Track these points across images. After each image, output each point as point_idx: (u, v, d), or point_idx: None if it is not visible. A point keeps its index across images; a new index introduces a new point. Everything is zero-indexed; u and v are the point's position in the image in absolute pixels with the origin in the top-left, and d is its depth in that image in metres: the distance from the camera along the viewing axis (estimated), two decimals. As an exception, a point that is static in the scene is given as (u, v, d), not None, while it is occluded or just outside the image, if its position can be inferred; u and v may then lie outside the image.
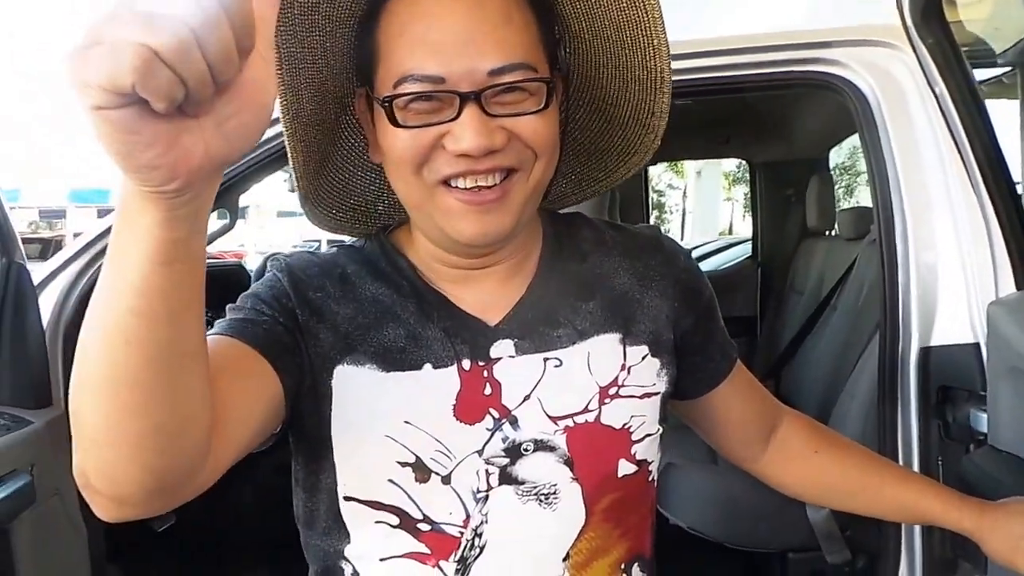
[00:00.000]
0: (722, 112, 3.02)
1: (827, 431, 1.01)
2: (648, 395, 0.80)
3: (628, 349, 0.80)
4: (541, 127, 0.71)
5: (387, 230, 0.85)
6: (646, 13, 0.74)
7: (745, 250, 4.56)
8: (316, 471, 0.77)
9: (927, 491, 0.94)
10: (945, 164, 1.33)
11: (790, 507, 1.60)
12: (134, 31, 0.37)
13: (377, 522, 0.75)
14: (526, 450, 0.75)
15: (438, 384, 0.75)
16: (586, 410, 0.77)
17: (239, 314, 0.73)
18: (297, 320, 0.75)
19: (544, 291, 0.81)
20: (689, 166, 17.24)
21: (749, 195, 4.37)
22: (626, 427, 0.79)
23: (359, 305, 0.77)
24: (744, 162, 4.25)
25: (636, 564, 0.82)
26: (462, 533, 0.75)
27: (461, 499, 0.74)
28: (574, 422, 0.77)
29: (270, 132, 1.41)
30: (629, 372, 0.80)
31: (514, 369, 0.77)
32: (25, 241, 1.49)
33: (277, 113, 0.67)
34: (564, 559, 0.77)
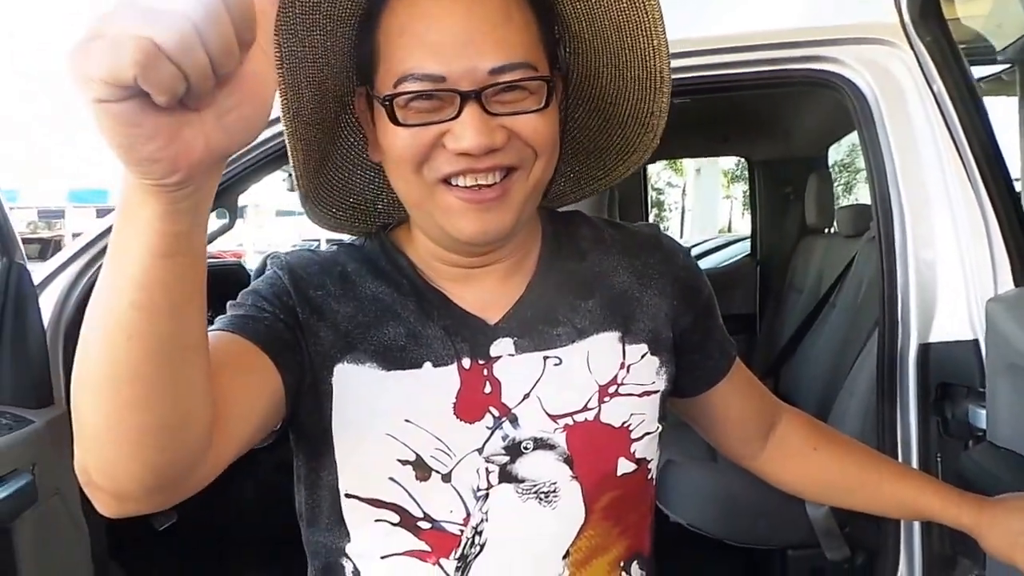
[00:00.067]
0: (721, 110, 3.02)
1: (826, 428, 1.02)
2: (647, 393, 0.81)
3: (627, 347, 0.81)
4: (541, 126, 0.71)
5: (387, 228, 0.86)
6: (646, 14, 0.74)
7: (744, 248, 4.57)
8: (317, 468, 0.77)
9: (926, 488, 0.94)
10: (943, 161, 1.33)
11: (789, 504, 1.60)
12: (136, 24, 0.38)
13: (377, 520, 0.75)
14: (526, 448, 0.76)
15: (438, 382, 0.75)
16: (585, 408, 0.77)
17: (240, 311, 0.73)
18: (298, 318, 0.75)
19: (543, 290, 0.81)
20: (688, 164, 17.24)
21: (748, 193, 4.37)
22: (625, 425, 0.79)
23: (359, 303, 0.77)
24: (743, 160, 4.25)
25: (635, 562, 0.82)
26: (462, 531, 0.75)
27: (461, 497, 0.75)
28: (574, 420, 0.77)
29: (269, 132, 1.42)
30: (628, 370, 0.80)
31: (514, 367, 0.77)
32: (24, 241, 1.49)
33: (276, 113, 0.68)
34: (564, 557, 0.77)
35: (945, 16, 1.45)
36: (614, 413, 0.78)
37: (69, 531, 1.45)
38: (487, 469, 0.75)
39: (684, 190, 20.31)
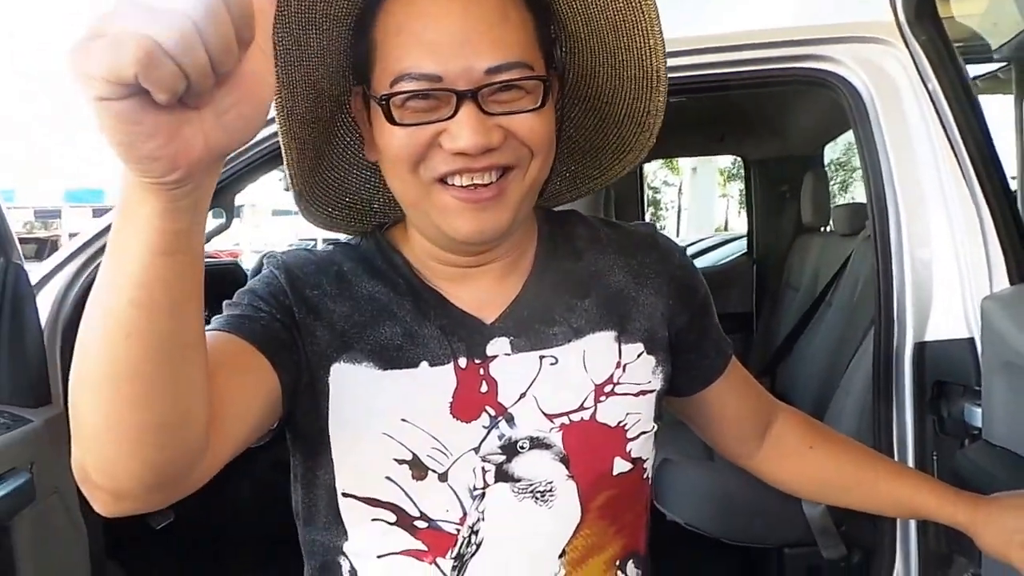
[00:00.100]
0: (717, 109, 3.02)
1: (822, 427, 1.02)
2: (643, 392, 0.81)
3: (623, 347, 0.81)
4: (537, 125, 0.72)
5: (383, 228, 0.86)
6: (643, 13, 0.75)
7: (741, 246, 4.57)
8: (313, 468, 0.77)
9: (922, 486, 0.95)
10: (939, 160, 1.34)
11: (786, 503, 1.60)
12: (137, 23, 0.38)
13: (374, 519, 0.75)
14: (522, 448, 0.76)
15: (435, 382, 0.76)
16: (581, 408, 0.78)
17: (236, 310, 0.73)
18: (294, 317, 0.75)
19: (540, 289, 0.81)
20: (684, 163, 17.25)
21: (744, 192, 4.38)
22: (621, 425, 0.79)
23: (356, 303, 0.78)
24: (739, 159, 4.25)
25: (631, 561, 0.83)
26: (459, 530, 0.75)
27: (458, 496, 0.75)
28: (570, 420, 0.77)
29: (265, 131, 1.42)
30: (624, 370, 0.80)
31: (510, 367, 0.77)
32: (21, 241, 1.49)
33: (272, 112, 0.68)
34: (560, 556, 0.77)
35: (941, 15, 1.46)
36: (610, 412, 0.79)
37: (67, 530, 1.45)
38: (483, 468, 0.75)
39: (680, 189, 20.32)
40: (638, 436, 0.80)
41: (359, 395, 0.75)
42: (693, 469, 2.00)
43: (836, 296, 2.51)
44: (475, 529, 0.75)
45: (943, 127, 1.33)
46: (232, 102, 0.44)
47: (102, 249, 1.46)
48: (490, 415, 0.76)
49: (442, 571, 0.75)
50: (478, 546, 0.75)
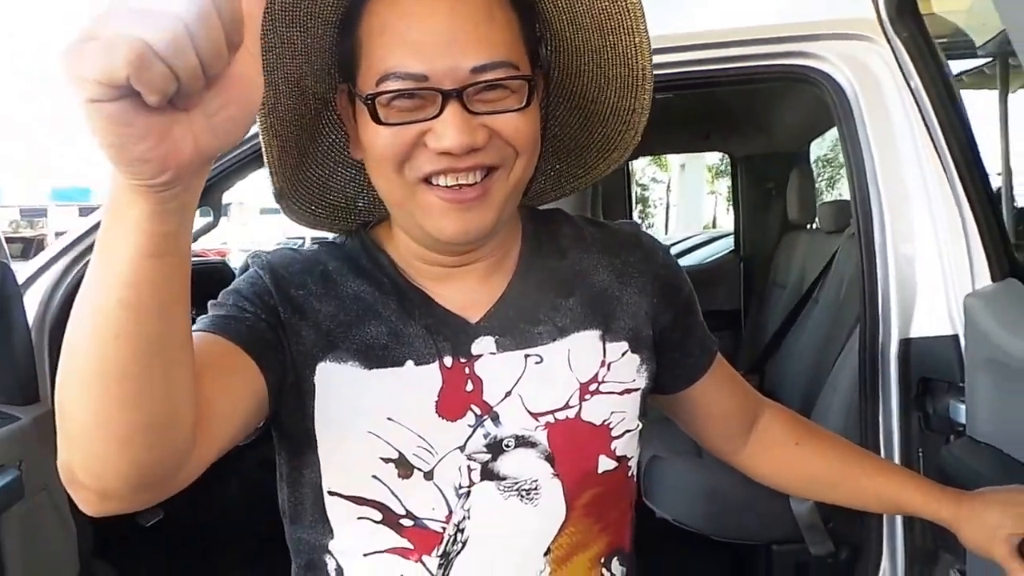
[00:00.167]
0: (702, 106, 3.04)
1: (808, 423, 1.02)
2: (628, 391, 0.81)
3: (608, 345, 0.81)
4: (522, 125, 0.72)
5: (367, 226, 0.86)
6: (628, 12, 0.75)
7: (728, 244, 4.59)
8: (299, 467, 0.77)
9: (906, 482, 0.95)
10: (921, 157, 1.35)
11: (774, 500, 1.61)
12: (129, 26, 0.38)
13: (360, 518, 0.75)
14: (507, 446, 0.76)
15: (420, 381, 0.76)
16: (567, 406, 0.78)
17: (221, 311, 0.73)
18: (279, 317, 0.75)
19: (524, 288, 0.81)
20: (673, 160, 17.28)
21: (731, 189, 4.40)
22: (606, 423, 0.79)
23: (341, 303, 0.78)
24: (726, 155, 4.27)
25: (616, 558, 0.83)
26: (444, 528, 0.75)
27: (443, 495, 0.75)
28: (555, 418, 0.77)
29: (253, 129, 1.41)
30: (609, 368, 0.80)
31: (495, 366, 0.77)
32: (7, 240, 1.49)
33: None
34: (545, 553, 0.77)
35: (927, 11, 1.47)
36: (595, 411, 0.79)
37: (56, 527, 1.45)
38: (469, 467, 0.75)
39: (669, 186, 20.35)
40: (623, 434, 0.80)
41: (345, 394, 0.75)
42: (682, 466, 2.01)
43: (822, 293, 2.52)
44: (461, 527, 0.75)
45: (925, 124, 1.34)
46: (221, 104, 0.44)
47: (89, 248, 1.46)
48: (475, 414, 0.76)
49: (428, 569, 0.75)
50: (464, 544, 0.76)
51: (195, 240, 1.81)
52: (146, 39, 0.38)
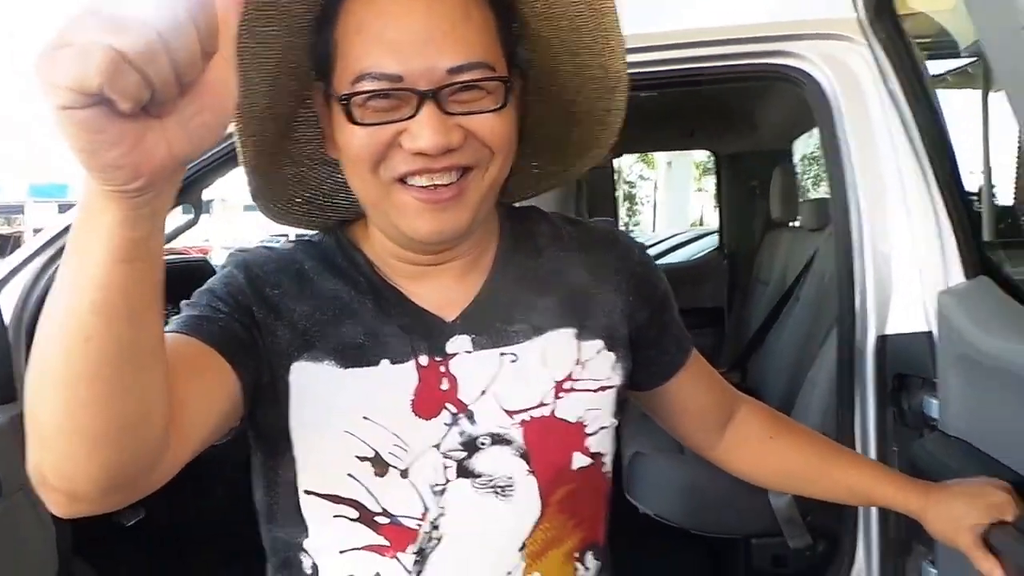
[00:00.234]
0: (686, 104, 3.05)
1: (783, 418, 1.04)
2: (603, 388, 0.82)
3: (583, 344, 0.82)
4: (498, 126, 0.72)
5: (343, 224, 0.86)
6: (602, 15, 0.76)
7: (714, 241, 4.61)
8: (275, 466, 0.77)
9: (878, 475, 0.97)
10: (899, 157, 1.36)
11: (754, 494, 1.63)
12: (103, 33, 0.38)
13: (336, 516, 0.76)
14: (482, 444, 0.77)
15: (396, 380, 0.76)
16: (541, 404, 0.79)
17: (195, 311, 0.73)
18: (253, 316, 0.75)
19: (500, 287, 0.82)
20: (660, 157, 17.31)
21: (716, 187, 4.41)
22: (580, 420, 0.80)
23: (316, 302, 0.78)
24: (711, 153, 4.29)
25: (590, 552, 0.84)
26: (420, 526, 0.76)
27: (419, 492, 0.75)
28: (530, 416, 0.78)
29: (232, 127, 1.40)
30: (584, 366, 0.81)
31: (470, 364, 0.78)
32: (-18, 237, 1.47)
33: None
34: (520, 549, 0.78)
35: (912, 11, 1.48)
36: (569, 408, 0.80)
37: (34, 527, 1.44)
38: (444, 465, 0.76)
39: (656, 183, 20.41)
40: (597, 431, 0.81)
41: (320, 393, 0.75)
42: (664, 462, 2.02)
43: (803, 291, 2.54)
44: (436, 524, 0.76)
45: (903, 125, 1.36)
46: (195, 110, 0.44)
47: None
48: (451, 412, 0.76)
49: (404, 566, 0.76)
50: (439, 541, 0.76)
51: (175, 237, 1.81)
52: (120, 47, 0.38)
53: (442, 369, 0.77)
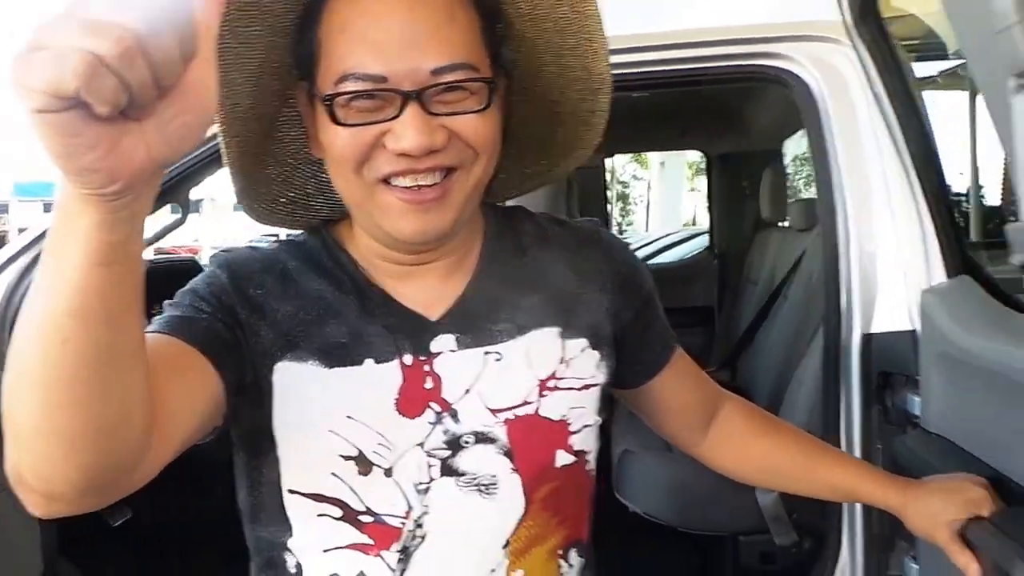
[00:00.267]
0: (677, 104, 3.06)
1: (766, 416, 1.05)
2: (587, 387, 0.83)
3: (567, 342, 0.82)
4: (482, 127, 0.72)
5: (329, 224, 0.86)
6: (585, 18, 0.76)
7: (706, 241, 4.62)
8: (259, 466, 0.77)
9: (859, 472, 0.99)
10: (884, 157, 1.37)
11: (741, 492, 1.64)
12: (80, 37, 0.38)
13: (320, 515, 0.76)
14: (466, 442, 0.77)
15: (380, 379, 0.76)
16: (525, 403, 0.79)
17: (177, 311, 0.73)
18: (236, 316, 0.75)
19: (485, 286, 0.82)
20: (653, 157, 17.35)
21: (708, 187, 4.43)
22: (564, 419, 0.81)
23: (301, 302, 0.78)
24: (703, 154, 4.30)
25: (574, 549, 0.84)
26: (404, 524, 0.76)
27: (403, 491, 0.76)
28: (514, 414, 0.78)
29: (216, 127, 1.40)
30: (568, 365, 0.82)
31: (455, 363, 0.78)
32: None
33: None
34: (504, 547, 0.78)
35: (903, 12, 1.49)
36: (553, 407, 0.80)
37: (19, 527, 1.43)
38: (428, 463, 0.76)
39: (649, 184, 20.44)
40: (581, 429, 0.82)
41: (304, 393, 0.75)
42: (652, 460, 2.03)
43: (791, 290, 2.56)
44: (420, 523, 0.76)
45: (887, 127, 1.37)
46: (175, 113, 0.44)
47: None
48: (435, 411, 0.77)
49: (387, 564, 0.76)
50: (423, 539, 0.76)
51: (162, 237, 1.80)
52: (97, 51, 0.38)
53: (426, 368, 0.77)
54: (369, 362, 0.76)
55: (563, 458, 0.81)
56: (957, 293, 1.23)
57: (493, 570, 0.78)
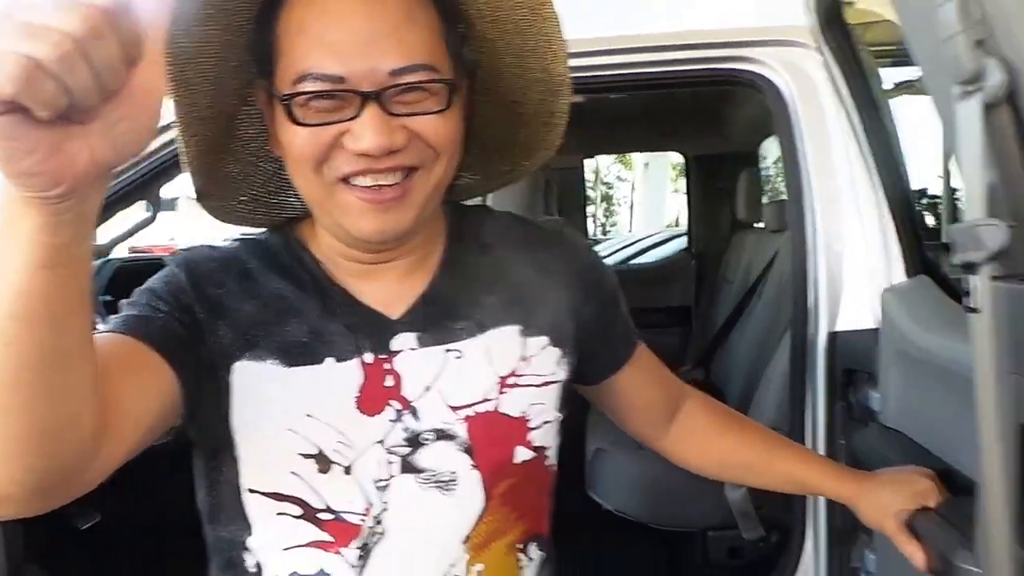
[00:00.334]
0: (656, 106, 3.07)
1: (727, 411, 1.06)
2: (547, 383, 0.83)
3: (528, 340, 0.83)
4: (442, 127, 0.72)
5: (292, 222, 0.86)
6: (544, 20, 0.77)
7: (686, 242, 4.65)
8: (218, 465, 0.77)
9: (816, 465, 1.01)
10: (851, 160, 1.40)
11: (710, 489, 1.66)
12: (17, 41, 0.38)
13: (279, 513, 0.76)
14: (426, 439, 0.77)
15: (341, 377, 0.76)
16: (485, 400, 0.80)
17: (134, 310, 0.73)
18: (194, 315, 0.74)
19: (446, 285, 0.82)
20: (638, 158, 17.36)
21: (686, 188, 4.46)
22: (524, 415, 0.81)
23: (261, 301, 0.78)
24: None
25: (534, 543, 0.85)
26: (363, 521, 0.76)
27: (362, 488, 0.76)
28: (474, 411, 0.79)
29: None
30: (528, 362, 0.82)
31: (415, 361, 0.78)
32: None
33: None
34: (464, 541, 0.79)
35: (882, 18, 1.50)
36: (513, 403, 0.81)
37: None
38: (388, 460, 0.77)
39: (633, 185, 20.48)
40: (541, 425, 0.83)
41: (263, 392, 0.75)
42: (624, 458, 2.05)
43: (764, 290, 2.58)
44: (379, 519, 0.76)
45: (852, 129, 1.40)
46: (121, 115, 0.43)
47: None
48: (395, 409, 0.77)
49: (347, 561, 0.76)
50: (382, 535, 0.77)
51: (132, 235, 1.79)
52: (33, 55, 0.37)
53: (387, 366, 0.78)
54: (330, 361, 0.76)
55: (523, 454, 0.81)
56: (916, 292, 1.26)
57: (453, 565, 0.79)
